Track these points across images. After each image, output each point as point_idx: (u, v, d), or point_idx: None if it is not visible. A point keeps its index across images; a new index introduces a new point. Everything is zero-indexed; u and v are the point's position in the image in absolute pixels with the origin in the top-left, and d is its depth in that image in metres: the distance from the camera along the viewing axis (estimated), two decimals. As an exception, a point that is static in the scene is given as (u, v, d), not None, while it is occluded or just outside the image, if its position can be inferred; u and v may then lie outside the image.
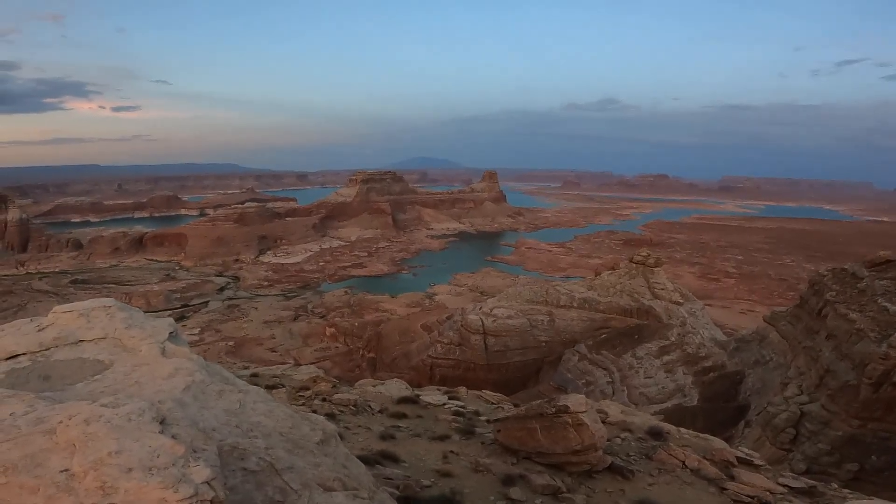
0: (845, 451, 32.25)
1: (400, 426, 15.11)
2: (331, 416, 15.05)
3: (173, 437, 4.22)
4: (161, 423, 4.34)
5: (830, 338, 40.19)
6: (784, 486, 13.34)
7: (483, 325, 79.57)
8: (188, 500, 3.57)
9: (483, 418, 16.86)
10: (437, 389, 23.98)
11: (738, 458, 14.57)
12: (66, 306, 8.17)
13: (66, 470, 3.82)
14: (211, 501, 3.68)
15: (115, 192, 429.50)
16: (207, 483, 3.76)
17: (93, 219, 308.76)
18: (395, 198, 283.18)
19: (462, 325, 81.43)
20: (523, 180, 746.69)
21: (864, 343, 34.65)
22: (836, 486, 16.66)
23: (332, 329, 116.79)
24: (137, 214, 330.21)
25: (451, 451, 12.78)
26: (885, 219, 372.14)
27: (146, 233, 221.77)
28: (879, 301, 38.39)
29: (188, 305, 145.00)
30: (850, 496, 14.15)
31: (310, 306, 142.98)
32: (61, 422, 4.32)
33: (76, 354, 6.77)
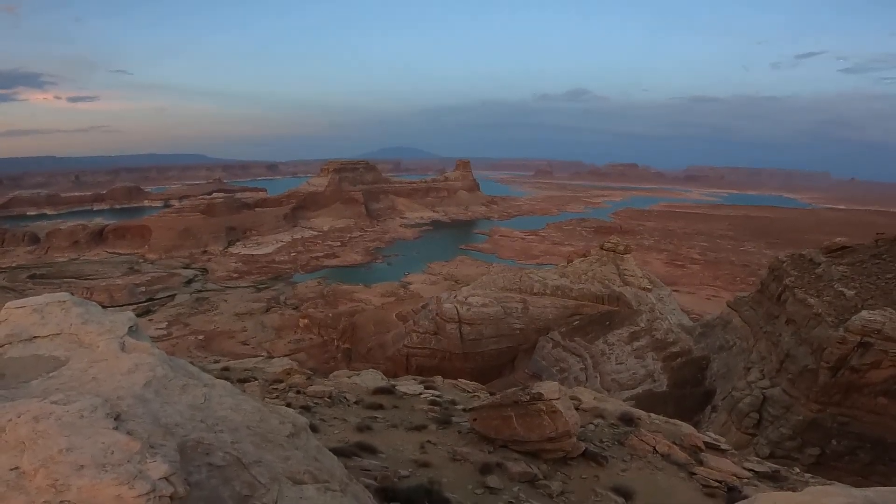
0: (806, 435, 32.84)
1: (376, 417, 15.01)
2: (306, 409, 14.84)
3: (129, 433, 4.09)
4: (115, 419, 4.19)
5: (790, 322, 41.50)
6: (749, 470, 13.80)
7: (458, 313, 79.96)
8: (145, 497, 3.49)
9: (459, 407, 16.90)
10: (413, 379, 23.93)
11: (705, 442, 14.99)
12: (19, 302, 7.89)
13: (16, 468, 3.77)
14: (171, 497, 3.61)
15: (72, 183, 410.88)
16: (166, 479, 3.68)
17: (49, 211, 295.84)
18: (368, 187, 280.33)
19: (437, 314, 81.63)
20: (496, 169, 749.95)
21: (822, 328, 35.65)
22: (799, 471, 17.28)
23: (306, 320, 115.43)
24: (97, 206, 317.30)
25: (429, 441, 12.77)
26: (842, 207, 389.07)
27: (107, 225, 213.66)
28: (836, 286, 39.86)
29: (154, 299, 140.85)
30: (812, 480, 14.69)
31: (282, 297, 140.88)
32: (10, 420, 4.22)
33: (30, 351, 6.56)
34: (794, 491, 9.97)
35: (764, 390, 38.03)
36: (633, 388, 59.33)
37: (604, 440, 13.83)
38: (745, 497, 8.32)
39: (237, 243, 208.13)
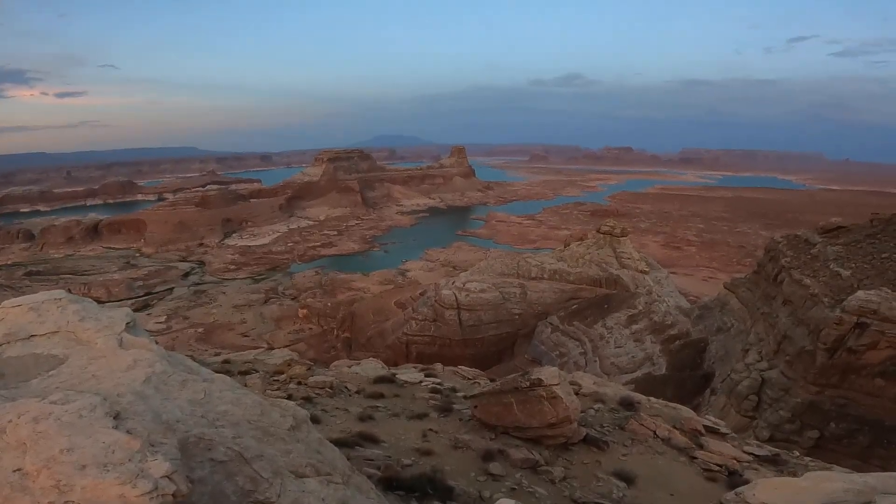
0: (805, 417, 32.64)
1: (378, 406, 15.06)
2: (307, 400, 14.88)
3: (128, 431, 4.10)
4: (115, 417, 4.19)
5: (787, 303, 41.50)
6: (750, 454, 13.91)
7: (457, 299, 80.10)
8: (148, 495, 3.51)
9: (460, 395, 16.97)
10: (414, 367, 24.04)
11: (705, 426, 15.10)
12: (15, 300, 7.88)
13: (20, 469, 3.79)
14: (173, 495, 3.62)
15: (64, 179, 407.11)
16: (168, 477, 3.70)
17: (43, 208, 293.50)
18: (364, 175, 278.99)
19: (436, 301, 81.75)
20: (492, 155, 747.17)
21: (818, 308, 35.43)
22: (798, 454, 17.39)
23: (305, 310, 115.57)
24: (90, 202, 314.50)
25: (430, 430, 12.83)
26: (836, 187, 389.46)
27: (101, 220, 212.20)
28: (832, 266, 39.88)
29: (152, 293, 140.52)
30: (812, 464, 14.78)
31: (280, 288, 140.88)
32: (11, 420, 4.23)
33: (29, 350, 6.54)
34: (794, 475, 10.06)
35: (762, 372, 37.98)
36: (632, 372, 59.66)
37: (604, 425, 13.91)
38: (747, 481, 8.39)
39: (233, 235, 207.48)
